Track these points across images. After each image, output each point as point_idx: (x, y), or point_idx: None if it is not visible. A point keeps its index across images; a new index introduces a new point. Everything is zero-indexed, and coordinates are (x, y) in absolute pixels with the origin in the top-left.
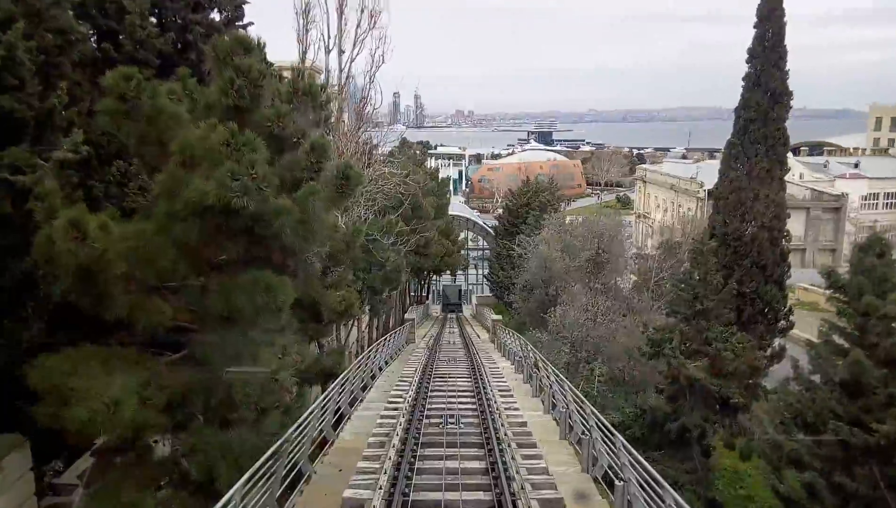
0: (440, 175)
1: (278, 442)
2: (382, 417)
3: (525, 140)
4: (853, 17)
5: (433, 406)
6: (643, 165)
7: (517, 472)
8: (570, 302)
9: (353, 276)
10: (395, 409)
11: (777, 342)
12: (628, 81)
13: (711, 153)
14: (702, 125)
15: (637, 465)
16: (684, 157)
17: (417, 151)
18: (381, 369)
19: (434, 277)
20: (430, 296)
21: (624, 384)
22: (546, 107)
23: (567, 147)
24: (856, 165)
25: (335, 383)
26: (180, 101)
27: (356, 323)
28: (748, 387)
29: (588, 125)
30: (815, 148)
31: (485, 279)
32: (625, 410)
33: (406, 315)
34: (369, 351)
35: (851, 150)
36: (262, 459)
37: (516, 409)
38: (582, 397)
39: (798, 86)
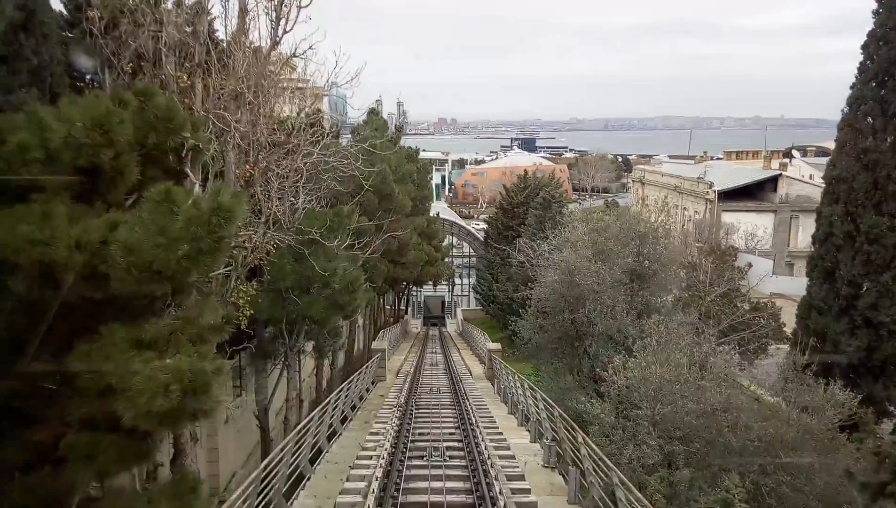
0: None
1: None
2: None
3: (508, 147)
4: (831, 28)
5: None
6: (640, 166)
7: None
8: (661, 347)
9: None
10: None
11: None
12: (608, 92)
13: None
14: (682, 135)
15: None
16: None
17: (394, 124)
18: (310, 464)
19: (414, 288)
20: (410, 309)
21: None
22: (528, 116)
23: (550, 154)
24: None
25: None
26: None
27: (285, 372)
28: None
29: (569, 134)
30: (802, 151)
31: (472, 291)
32: None
33: (375, 344)
34: (272, 464)
35: None
36: None
37: None
38: None
39: (774, 97)
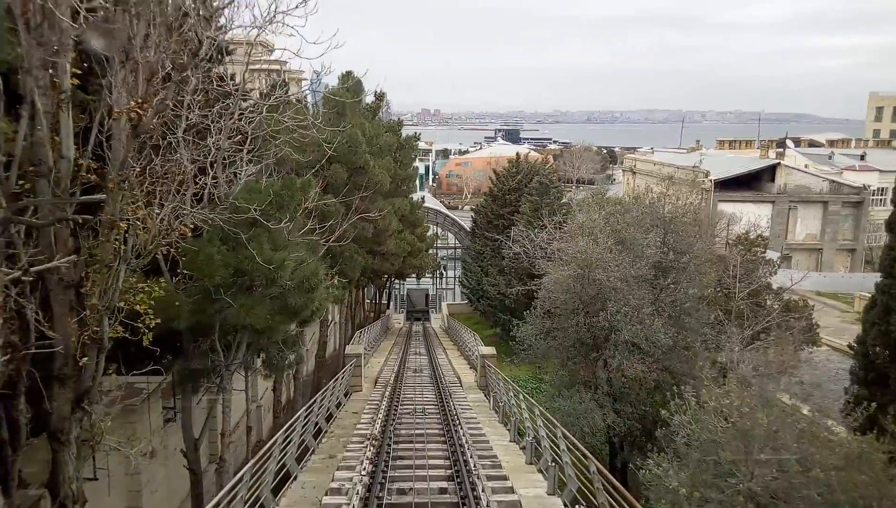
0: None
1: None
2: None
3: (492, 138)
4: (812, 24)
5: None
6: (631, 155)
7: None
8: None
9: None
10: None
11: None
12: (592, 84)
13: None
14: (664, 127)
15: None
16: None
17: (374, 92)
18: None
19: (396, 281)
20: (392, 303)
21: None
22: (511, 108)
23: (535, 145)
24: (862, 157)
25: None
26: None
27: (220, 399)
28: None
29: (553, 126)
30: (795, 142)
31: (458, 284)
32: None
33: (349, 348)
34: None
35: (854, 142)
36: None
37: None
38: None
39: (755, 91)
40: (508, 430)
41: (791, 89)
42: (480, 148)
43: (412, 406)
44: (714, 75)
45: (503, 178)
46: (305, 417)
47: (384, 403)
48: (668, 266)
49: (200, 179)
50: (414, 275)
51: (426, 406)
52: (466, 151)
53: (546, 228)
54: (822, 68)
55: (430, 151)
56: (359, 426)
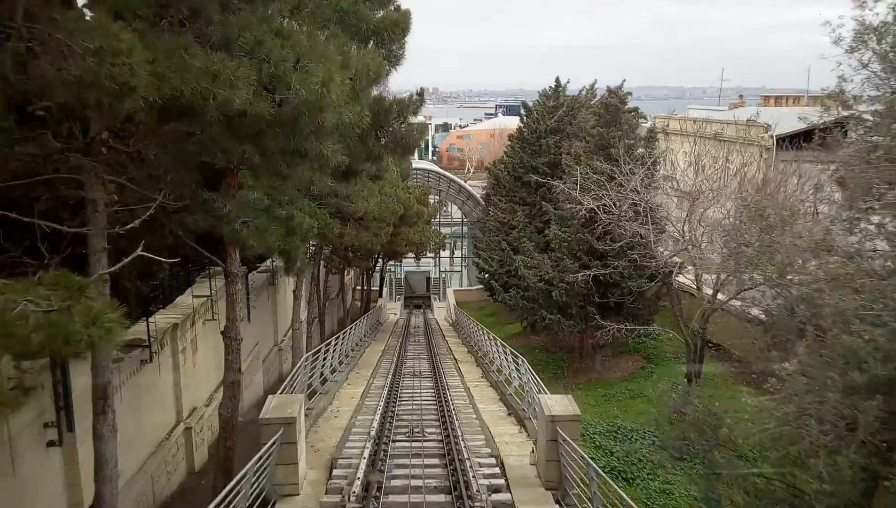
0: None
1: None
2: None
3: (492, 114)
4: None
5: None
6: (662, 115)
7: None
8: None
9: None
10: None
11: None
12: (591, 61)
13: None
14: (665, 104)
15: None
16: None
17: None
18: None
19: (391, 262)
20: (387, 288)
21: None
22: (511, 85)
23: None
24: None
25: None
26: None
27: None
28: None
29: None
30: None
31: (472, 265)
32: None
33: (273, 403)
34: None
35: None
36: None
37: None
38: None
39: (757, 66)
40: None
41: (788, 64)
42: (482, 123)
43: None
44: (714, 51)
45: (537, 113)
46: None
47: None
48: None
49: None
50: (412, 254)
51: None
52: (466, 126)
53: (631, 171)
54: (817, 42)
55: (428, 124)
56: None
